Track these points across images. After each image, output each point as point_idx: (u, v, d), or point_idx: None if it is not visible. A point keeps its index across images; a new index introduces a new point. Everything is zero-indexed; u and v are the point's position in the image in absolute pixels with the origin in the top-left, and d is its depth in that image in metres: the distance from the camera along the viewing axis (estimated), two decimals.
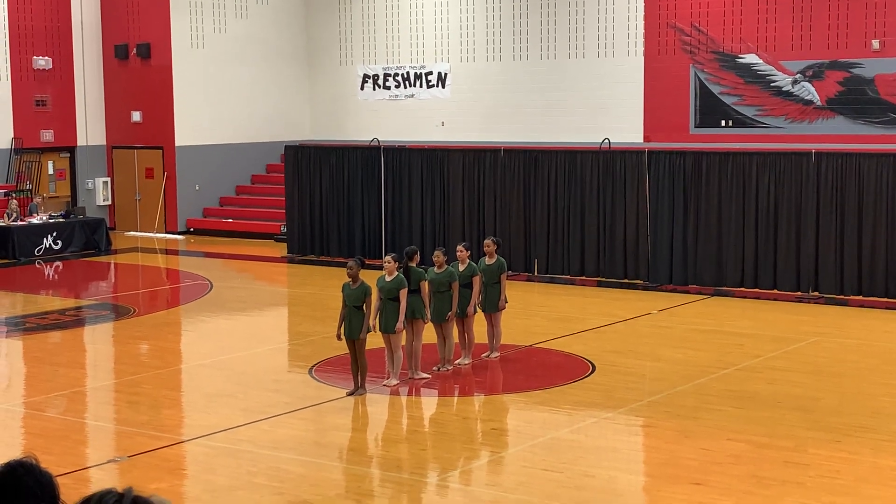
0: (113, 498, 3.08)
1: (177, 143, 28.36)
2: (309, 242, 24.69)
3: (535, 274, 21.88)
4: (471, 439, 12.06)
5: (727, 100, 24.40)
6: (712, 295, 19.89)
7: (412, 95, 28.72)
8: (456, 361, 14.58)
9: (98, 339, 17.79)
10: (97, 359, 16.63)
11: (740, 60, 24.20)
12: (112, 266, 24.85)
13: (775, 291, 19.76)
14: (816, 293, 19.48)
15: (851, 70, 23.01)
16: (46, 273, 24.15)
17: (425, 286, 13.91)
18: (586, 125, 25.63)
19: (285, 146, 25.70)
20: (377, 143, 24.27)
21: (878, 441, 11.40)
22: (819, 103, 23.39)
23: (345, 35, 29.75)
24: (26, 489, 3.45)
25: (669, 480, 10.32)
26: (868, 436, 11.57)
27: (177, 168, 28.49)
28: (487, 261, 14.95)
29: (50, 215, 26.10)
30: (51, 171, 28.33)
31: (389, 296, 13.45)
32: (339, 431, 12.27)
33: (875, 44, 22.73)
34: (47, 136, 27.92)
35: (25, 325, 18.16)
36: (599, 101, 25.85)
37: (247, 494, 9.98)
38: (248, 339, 17.01)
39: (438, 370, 14.29)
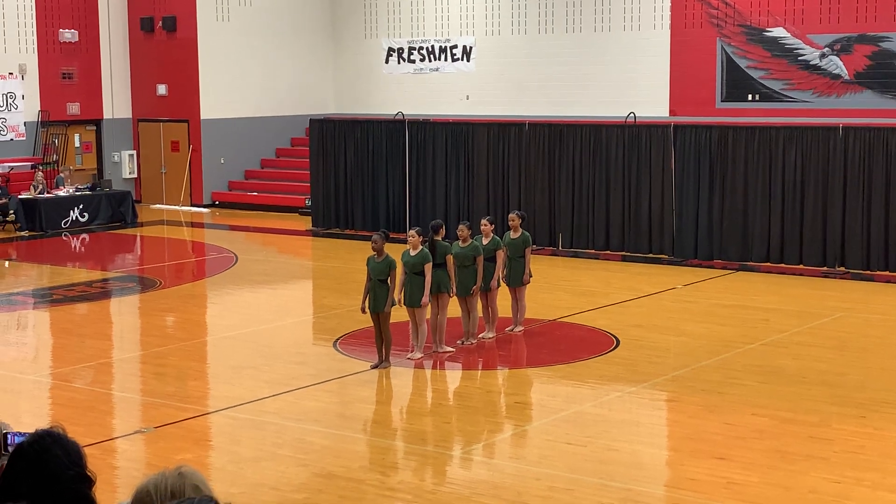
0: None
1: (202, 117, 28.42)
2: (333, 216, 24.73)
3: (560, 248, 21.85)
4: (495, 413, 12.09)
5: (754, 73, 24.22)
6: (737, 270, 19.82)
7: (437, 69, 28.64)
8: (480, 335, 14.60)
9: (124, 310, 17.90)
10: (124, 330, 16.74)
11: (767, 34, 24.00)
12: (138, 238, 24.97)
13: (801, 266, 19.67)
14: (842, 268, 19.38)
15: (880, 44, 22.79)
16: (73, 245, 24.29)
17: (450, 260, 13.93)
18: (612, 99, 25.49)
19: (310, 119, 25.70)
20: (402, 117, 24.24)
21: None
22: (847, 77, 23.19)
23: (369, 8, 29.67)
24: (54, 458, 3.50)
25: (693, 455, 10.32)
26: (893, 411, 11.52)
27: (202, 141, 28.56)
28: (512, 235, 14.94)
29: (76, 188, 26.23)
30: (77, 144, 28.45)
31: (414, 270, 13.47)
32: (364, 404, 12.32)
33: None
34: (73, 108, 28.01)
35: (52, 297, 18.30)
36: (625, 74, 25.70)
37: (271, 466, 10.05)
38: (273, 312, 17.08)
39: (462, 344, 14.32)
